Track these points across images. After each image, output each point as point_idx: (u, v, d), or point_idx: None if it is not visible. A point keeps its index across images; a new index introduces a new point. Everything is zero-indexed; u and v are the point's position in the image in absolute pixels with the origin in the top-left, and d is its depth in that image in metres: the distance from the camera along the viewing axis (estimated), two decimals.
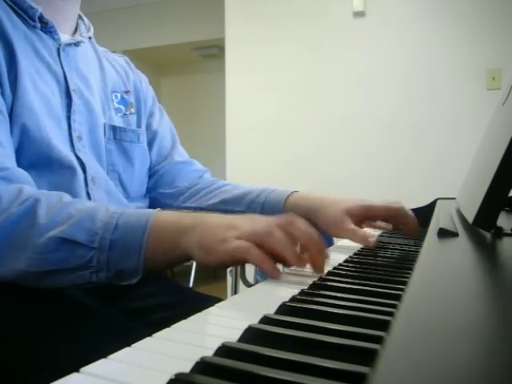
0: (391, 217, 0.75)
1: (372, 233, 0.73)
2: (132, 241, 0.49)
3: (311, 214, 0.72)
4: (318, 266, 0.47)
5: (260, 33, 2.80)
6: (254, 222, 0.47)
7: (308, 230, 0.47)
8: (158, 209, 0.86)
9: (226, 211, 0.80)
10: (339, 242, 0.79)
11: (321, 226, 0.71)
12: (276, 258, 0.46)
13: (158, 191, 0.86)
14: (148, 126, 0.86)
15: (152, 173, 0.86)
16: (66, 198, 0.53)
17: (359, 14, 2.58)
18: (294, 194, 0.78)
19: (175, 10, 3.92)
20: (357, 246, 0.70)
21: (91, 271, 0.49)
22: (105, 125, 0.75)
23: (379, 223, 0.81)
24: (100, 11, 3.80)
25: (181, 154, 0.90)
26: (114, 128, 0.77)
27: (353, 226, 0.68)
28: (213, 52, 4.14)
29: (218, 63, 3.77)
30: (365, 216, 0.72)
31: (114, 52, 0.90)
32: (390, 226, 0.82)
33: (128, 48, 4.00)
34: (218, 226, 0.47)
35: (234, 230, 0.46)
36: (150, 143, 0.86)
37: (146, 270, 0.49)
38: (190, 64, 4.58)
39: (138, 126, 0.83)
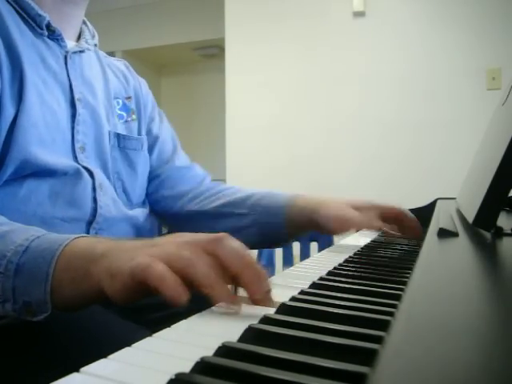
0: (394, 216, 0.73)
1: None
2: (39, 266, 0.41)
3: (313, 214, 0.72)
4: (256, 300, 0.36)
5: (260, 33, 2.80)
6: (177, 241, 0.38)
7: (242, 251, 0.37)
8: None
9: (228, 214, 0.80)
10: (340, 241, 0.79)
11: (323, 223, 0.70)
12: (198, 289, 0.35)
13: (158, 194, 0.86)
14: (148, 132, 0.86)
15: (152, 177, 0.85)
16: None
17: (359, 14, 2.58)
18: (296, 196, 0.77)
19: (175, 10, 3.92)
20: (357, 245, 0.70)
21: None
22: (109, 133, 0.75)
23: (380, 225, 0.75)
24: (100, 11, 3.80)
25: (182, 160, 0.90)
26: (117, 136, 0.76)
27: (356, 213, 0.66)
28: (213, 52, 4.14)
29: (218, 63, 3.76)
30: (369, 209, 0.71)
31: (113, 52, 0.90)
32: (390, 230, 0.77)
33: (128, 48, 4.00)
34: (132, 248, 0.39)
35: (150, 248, 0.37)
36: (151, 148, 0.86)
37: (56, 304, 0.41)
38: (190, 64, 4.58)
39: (139, 133, 0.83)
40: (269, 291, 0.36)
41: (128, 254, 0.37)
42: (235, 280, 0.36)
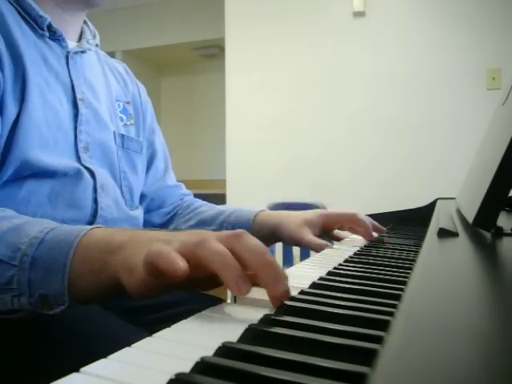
0: (346, 222, 0.79)
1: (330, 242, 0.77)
2: (56, 258, 0.41)
3: (276, 229, 0.78)
4: (275, 299, 0.34)
5: (260, 33, 2.80)
6: (194, 233, 0.37)
7: (262, 248, 0.35)
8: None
9: None
10: (340, 241, 0.79)
11: (284, 238, 0.77)
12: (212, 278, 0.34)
13: (148, 214, 0.88)
14: (151, 144, 0.88)
15: (143, 196, 0.86)
16: (6, 212, 0.49)
17: (359, 14, 2.58)
18: (261, 212, 0.82)
19: (175, 10, 3.92)
20: (357, 245, 0.70)
21: (12, 294, 0.41)
22: (114, 133, 0.76)
23: (337, 232, 0.84)
24: (100, 11, 3.80)
25: (171, 179, 0.93)
26: (122, 136, 0.77)
27: (309, 236, 0.73)
28: (213, 52, 4.14)
29: (218, 63, 3.76)
30: (323, 224, 0.78)
31: (113, 52, 0.90)
32: (346, 234, 0.85)
33: (128, 48, 4.00)
34: (149, 240, 0.38)
35: (167, 243, 0.37)
36: (149, 162, 0.88)
37: (73, 296, 0.41)
38: (190, 64, 4.57)
39: (138, 137, 0.84)
40: (288, 290, 0.35)
41: (144, 246, 0.37)
42: (253, 279, 0.35)
